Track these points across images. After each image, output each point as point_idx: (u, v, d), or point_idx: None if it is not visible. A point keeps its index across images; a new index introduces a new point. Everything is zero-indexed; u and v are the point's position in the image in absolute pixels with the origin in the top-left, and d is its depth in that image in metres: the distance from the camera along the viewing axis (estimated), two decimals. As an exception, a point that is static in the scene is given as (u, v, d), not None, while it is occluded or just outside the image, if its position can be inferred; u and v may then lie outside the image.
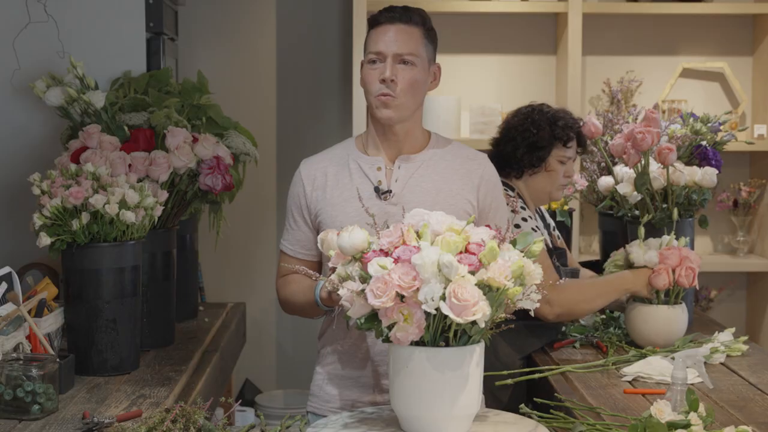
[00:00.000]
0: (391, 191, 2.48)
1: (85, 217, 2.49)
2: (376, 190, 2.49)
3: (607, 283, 2.98)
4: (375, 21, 2.49)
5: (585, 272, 3.34)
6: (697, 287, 2.97)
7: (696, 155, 3.28)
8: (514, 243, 2.03)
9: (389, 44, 2.44)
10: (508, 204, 3.06)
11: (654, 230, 3.09)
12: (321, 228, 2.50)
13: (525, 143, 3.05)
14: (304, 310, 2.50)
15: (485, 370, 2.07)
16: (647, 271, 2.94)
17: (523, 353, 2.99)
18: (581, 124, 3.16)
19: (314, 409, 2.57)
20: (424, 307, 1.88)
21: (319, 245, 2.21)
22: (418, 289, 1.89)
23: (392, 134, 2.51)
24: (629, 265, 3.01)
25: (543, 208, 3.33)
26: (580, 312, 2.99)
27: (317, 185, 2.53)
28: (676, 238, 3.00)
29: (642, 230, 3.01)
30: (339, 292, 2.00)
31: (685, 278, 2.92)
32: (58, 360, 2.28)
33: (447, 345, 1.94)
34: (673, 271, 2.92)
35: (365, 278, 1.95)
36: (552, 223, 3.24)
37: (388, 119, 2.47)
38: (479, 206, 2.53)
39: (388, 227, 2.03)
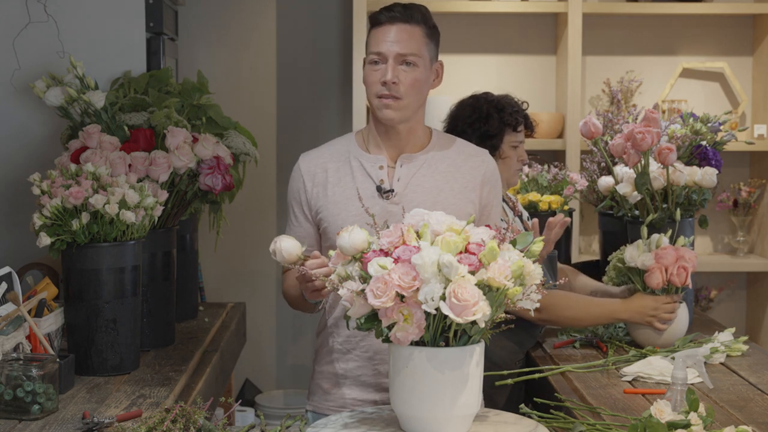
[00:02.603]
0: (393, 190, 2.48)
1: (85, 217, 2.49)
2: (379, 189, 2.49)
3: (598, 306, 2.99)
4: (376, 20, 2.48)
5: (564, 267, 3.34)
6: (690, 286, 2.96)
7: (696, 155, 3.28)
8: (514, 243, 2.03)
9: (391, 45, 2.43)
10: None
11: (654, 230, 3.09)
12: (322, 225, 2.50)
13: (476, 134, 3.03)
14: (299, 302, 2.49)
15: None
16: (639, 300, 2.95)
17: (511, 354, 3.00)
18: (525, 106, 3.17)
19: (313, 408, 2.57)
20: (424, 307, 1.88)
21: (272, 256, 2.24)
22: (418, 289, 1.89)
23: (394, 133, 2.51)
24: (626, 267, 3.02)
25: (514, 196, 3.32)
26: (563, 324, 3.02)
27: (317, 181, 2.53)
28: (675, 239, 3.00)
29: (645, 230, 3.01)
30: (339, 292, 2.00)
31: (677, 277, 2.91)
32: (58, 360, 2.28)
33: (447, 345, 1.94)
34: (667, 270, 2.92)
35: (365, 278, 1.95)
36: (524, 213, 3.23)
37: (390, 120, 2.47)
38: (481, 203, 2.53)
39: (388, 227, 2.03)
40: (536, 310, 2.84)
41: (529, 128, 3.17)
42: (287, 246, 2.21)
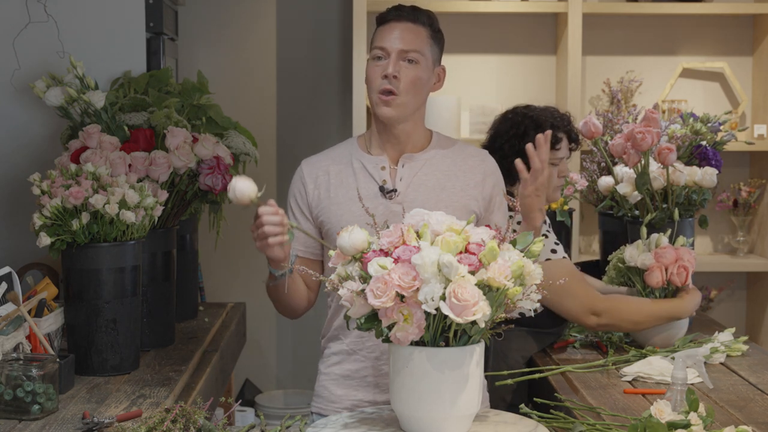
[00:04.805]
0: (396, 190, 2.49)
1: (85, 217, 2.49)
2: (381, 189, 2.49)
3: (657, 308, 2.94)
4: (382, 19, 2.50)
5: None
6: (690, 286, 2.96)
7: (696, 155, 3.28)
8: (514, 243, 2.03)
9: (394, 41, 2.45)
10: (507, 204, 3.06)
11: (654, 230, 3.09)
12: (324, 226, 2.50)
13: (513, 151, 2.98)
14: (272, 287, 2.44)
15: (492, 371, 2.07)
16: (692, 297, 2.95)
17: (525, 356, 3.00)
18: (569, 120, 3.09)
19: (319, 409, 2.57)
20: (424, 307, 1.88)
21: (228, 194, 2.21)
22: (418, 289, 1.89)
23: (393, 135, 2.52)
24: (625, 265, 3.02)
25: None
26: (623, 328, 2.96)
27: (320, 183, 2.53)
28: (675, 239, 3.00)
29: (644, 230, 3.01)
30: (339, 292, 2.00)
31: (677, 277, 2.91)
32: (58, 360, 2.28)
33: (447, 345, 1.94)
34: (667, 269, 2.92)
35: (365, 278, 1.95)
36: (547, 219, 3.22)
37: (389, 118, 2.47)
38: (484, 200, 2.53)
39: (388, 227, 2.03)
40: (596, 314, 2.87)
41: (574, 142, 3.07)
42: (242, 186, 2.18)
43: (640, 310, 2.94)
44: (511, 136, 3.00)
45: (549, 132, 2.72)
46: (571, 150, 3.09)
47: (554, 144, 3.00)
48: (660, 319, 2.95)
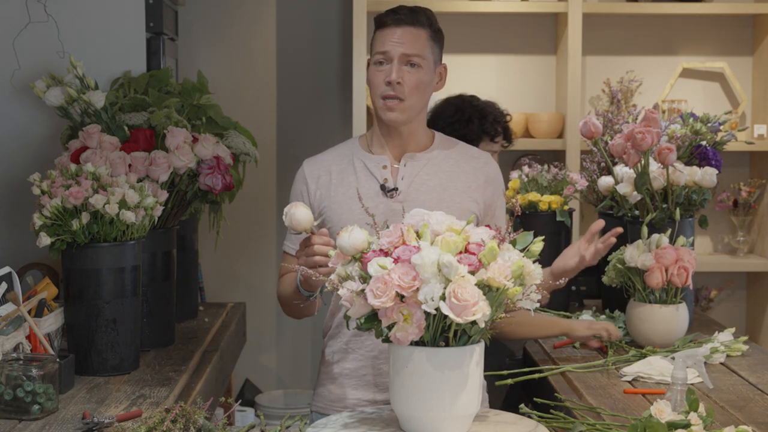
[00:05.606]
0: (397, 189, 2.49)
1: (85, 217, 2.49)
2: (383, 187, 2.49)
3: (546, 319, 2.96)
4: (381, 22, 2.49)
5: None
6: (691, 287, 2.96)
7: (696, 155, 3.28)
8: (514, 243, 2.03)
9: (396, 45, 2.44)
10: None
11: (654, 230, 3.09)
12: (326, 225, 2.50)
13: (454, 136, 3.03)
14: (293, 301, 2.46)
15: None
16: (584, 323, 2.95)
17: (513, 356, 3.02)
18: (508, 118, 3.21)
19: (319, 408, 2.57)
20: (424, 307, 1.88)
21: (283, 218, 2.23)
22: (418, 289, 1.89)
23: (397, 135, 2.52)
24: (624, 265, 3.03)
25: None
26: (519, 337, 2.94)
27: (321, 183, 2.54)
28: (675, 239, 3.00)
29: (645, 230, 3.01)
30: (339, 292, 2.00)
31: (678, 277, 2.91)
32: (58, 360, 2.28)
33: (447, 345, 1.94)
34: (667, 270, 2.92)
35: (365, 278, 1.95)
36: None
37: (394, 122, 2.48)
38: (485, 204, 2.53)
39: (388, 227, 2.03)
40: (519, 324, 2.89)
41: (508, 140, 3.22)
42: (300, 214, 2.22)
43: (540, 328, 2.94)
44: (455, 121, 3.13)
45: (619, 230, 2.93)
46: (503, 147, 3.24)
47: (494, 136, 3.16)
48: (549, 330, 2.94)
